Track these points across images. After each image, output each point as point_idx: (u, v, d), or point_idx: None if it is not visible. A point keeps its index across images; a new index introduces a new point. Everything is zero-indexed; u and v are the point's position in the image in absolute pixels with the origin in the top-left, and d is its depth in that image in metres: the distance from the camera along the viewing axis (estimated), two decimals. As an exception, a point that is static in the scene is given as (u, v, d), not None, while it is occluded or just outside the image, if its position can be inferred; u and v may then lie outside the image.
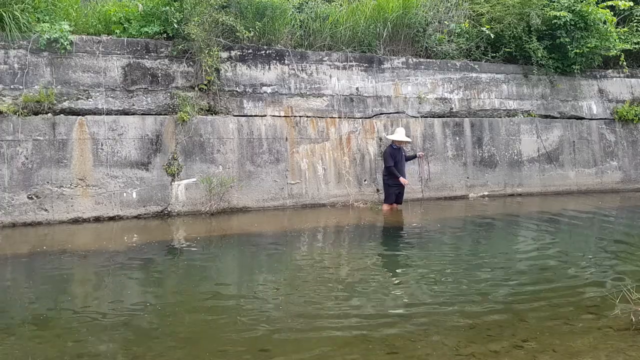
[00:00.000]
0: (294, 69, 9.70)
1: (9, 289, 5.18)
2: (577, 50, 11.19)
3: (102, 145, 8.22)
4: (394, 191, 9.26)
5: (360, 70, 10.23)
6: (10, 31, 7.71)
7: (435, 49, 10.97)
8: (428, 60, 10.87)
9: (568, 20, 10.97)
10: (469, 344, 3.68)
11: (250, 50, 9.37)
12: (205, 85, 8.86)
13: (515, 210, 10.19)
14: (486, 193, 10.92)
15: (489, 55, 11.30)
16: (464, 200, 10.54)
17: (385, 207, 9.25)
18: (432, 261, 6.25)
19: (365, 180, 10.04)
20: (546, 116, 11.73)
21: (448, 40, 11.04)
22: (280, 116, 9.50)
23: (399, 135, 9.34)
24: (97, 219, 8.06)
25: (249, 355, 3.57)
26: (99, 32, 8.64)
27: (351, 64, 10.16)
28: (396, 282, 5.36)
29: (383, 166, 9.49)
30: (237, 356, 3.58)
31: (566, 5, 11.15)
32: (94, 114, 8.23)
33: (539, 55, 11.14)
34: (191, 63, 8.86)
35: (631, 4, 11.75)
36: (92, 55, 8.30)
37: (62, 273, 5.77)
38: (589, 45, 11.17)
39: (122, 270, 5.86)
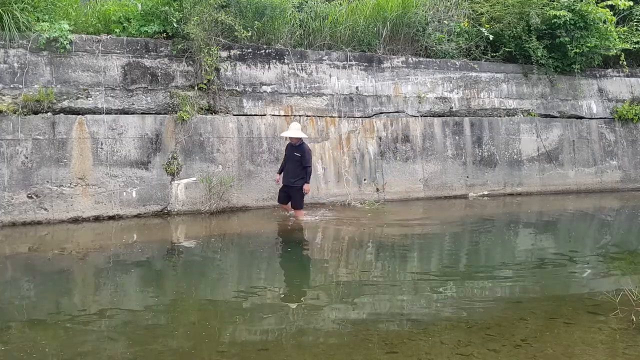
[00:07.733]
0: (293, 68, 9.69)
1: (8, 288, 5.18)
2: (577, 50, 11.19)
3: (101, 144, 8.21)
4: (281, 190, 8.58)
5: (360, 70, 10.23)
6: (9, 30, 7.70)
7: (434, 48, 10.96)
8: (428, 59, 10.86)
9: (568, 19, 10.97)
10: (468, 343, 3.68)
11: (249, 50, 9.36)
12: (205, 84, 8.86)
13: (514, 209, 10.19)
14: (486, 192, 10.91)
15: (489, 54, 11.30)
16: (463, 200, 10.54)
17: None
18: (431, 261, 6.26)
19: (364, 180, 10.04)
20: (546, 115, 11.73)
21: (448, 40, 11.03)
22: (280, 115, 9.49)
23: (291, 131, 8.44)
24: (97, 218, 8.06)
25: (249, 355, 3.57)
26: (98, 32, 8.63)
27: (351, 63, 10.15)
28: (395, 281, 5.36)
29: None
30: (237, 356, 3.58)
31: (566, 4, 11.15)
32: (94, 113, 8.23)
33: (539, 54, 11.14)
34: (191, 62, 8.85)
35: (631, 3, 11.76)
36: (91, 54, 8.29)
37: (61, 273, 5.77)
38: (588, 44, 11.17)
39: (121, 270, 5.86)
